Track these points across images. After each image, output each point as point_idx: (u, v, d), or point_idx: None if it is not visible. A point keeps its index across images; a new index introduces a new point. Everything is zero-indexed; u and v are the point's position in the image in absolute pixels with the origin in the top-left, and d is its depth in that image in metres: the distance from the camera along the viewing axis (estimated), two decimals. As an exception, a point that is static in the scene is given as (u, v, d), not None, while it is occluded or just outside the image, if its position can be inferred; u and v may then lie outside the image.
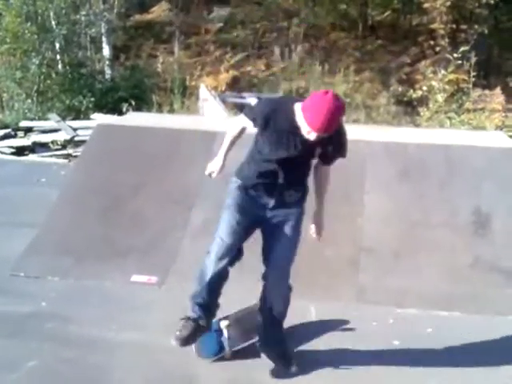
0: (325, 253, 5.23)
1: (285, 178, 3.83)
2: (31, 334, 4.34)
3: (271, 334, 4.03)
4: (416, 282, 5.05)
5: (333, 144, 3.74)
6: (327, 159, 3.88)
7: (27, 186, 8.03)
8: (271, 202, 3.88)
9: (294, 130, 3.63)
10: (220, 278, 3.84)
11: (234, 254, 3.84)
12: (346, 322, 4.61)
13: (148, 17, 19.31)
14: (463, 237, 5.39)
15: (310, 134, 3.55)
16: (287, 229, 3.89)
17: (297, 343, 4.27)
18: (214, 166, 4.07)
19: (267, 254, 3.97)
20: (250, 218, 3.88)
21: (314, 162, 3.92)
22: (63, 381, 3.83)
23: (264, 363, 3.99)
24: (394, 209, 5.62)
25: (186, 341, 3.78)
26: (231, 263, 3.85)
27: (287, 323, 4.28)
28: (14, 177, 8.64)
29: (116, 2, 17.06)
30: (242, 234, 3.85)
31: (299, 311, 4.69)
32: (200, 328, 3.84)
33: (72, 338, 4.29)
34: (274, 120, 3.72)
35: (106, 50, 16.63)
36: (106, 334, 4.20)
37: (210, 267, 3.78)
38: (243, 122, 3.95)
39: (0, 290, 5.02)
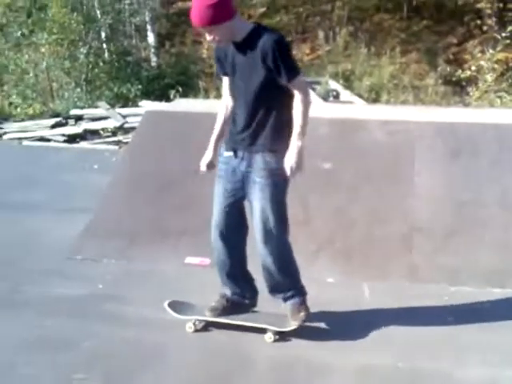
0: (376, 232, 5.25)
1: (244, 117, 3.86)
2: (89, 315, 4.44)
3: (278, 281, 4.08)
4: (468, 259, 5.03)
5: (269, 59, 3.69)
6: (277, 76, 3.75)
7: (80, 173, 8.22)
8: (235, 152, 3.93)
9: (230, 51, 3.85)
10: (221, 247, 4.03)
11: (228, 221, 3.99)
12: (400, 300, 4.61)
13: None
14: (515, 214, 5.33)
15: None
16: (258, 188, 3.86)
17: (351, 322, 4.29)
18: (203, 159, 4.13)
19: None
20: (225, 183, 3.99)
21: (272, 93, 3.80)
22: (120, 359, 3.90)
23: (320, 342, 4.03)
24: (445, 188, 5.58)
25: (212, 312, 4.14)
26: (230, 230, 4.01)
27: (341, 302, 4.33)
28: (68, 164, 8.85)
29: (159, -10, 17.18)
30: (225, 200, 3.99)
31: (353, 290, 4.76)
32: (228, 302, 4.16)
33: (128, 318, 4.37)
34: (221, 54, 3.94)
35: (151, 38, 16.79)
36: (160, 315, 4.25)
37: (212, 238, 4.07)
38: (224, 88, 4.08)
39: (58, 272, 5.16)
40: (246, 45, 3.79)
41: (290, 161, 3.76)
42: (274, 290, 4.11)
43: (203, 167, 4.11)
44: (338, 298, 4.63)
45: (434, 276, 4.92)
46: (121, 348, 4.02)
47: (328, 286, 4.88)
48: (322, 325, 4.26)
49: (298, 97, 3.76)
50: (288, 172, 3.78)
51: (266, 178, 3.84)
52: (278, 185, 3.87)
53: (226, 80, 4.04)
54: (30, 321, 4.34)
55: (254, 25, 3.89)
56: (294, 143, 3.76)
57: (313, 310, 4.17)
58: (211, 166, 4.10)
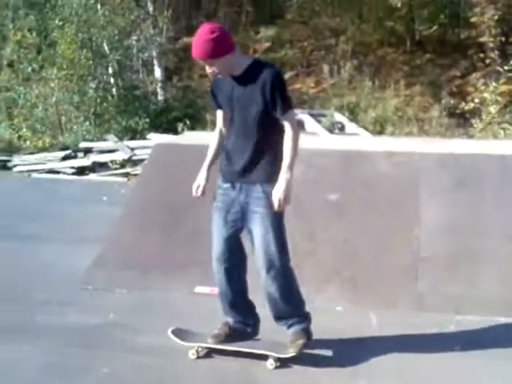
0: (382, 261, 5.33)
1: (240, 149, 3.98)
2: (100, 344, 4.51)
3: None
4: (474, 289, 5.09)
5: (267, 91, 3.85)
6: (271, 109, 3.89)
7: (90, 204, 8.32)
8: (232, 183, 4.04)
9: (228, 85, 3.99)
10: (224, 278, 4.12)
11: (229, 252, 4.09)
12: (406, 329, 4.67)
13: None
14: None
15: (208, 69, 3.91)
16: (258, 218, 3.97)
17: (359, 351, 4.33)
18: (195, 184, 4.23)
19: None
20: (225, 214, 4.08)
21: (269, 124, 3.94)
22: (133, 386, 3.97)
23: (328, 369, 4.09)
24: (450, 219, 5.65)
25: (215, 339, 4.21)
26: (231, 261, 4.10)
27: (349, 331, 4.39)
28: (77, 196, 8.96)
29: (165, 27, 17.46)
30: (225, 232, 4.08)
31: (360, 319, 4.82)
32: (231, 329, 4.23)
33: (139, 347, 4.43)
34: (217, 89, 4.09)
35: (158, 73, 17.03)
36: (172, 344, 4.29)
37: (214, 269, 4.17)
38: (218, 120, 4.23)
39: (70, 302, 5.25)
40: (245, 78, 3.93)
41: (277, 193, 3.88)
42: (278, 317, 4.18)
43: (200, 192, 4.20)
44: (346, 326, 4.69)
45: (439, 305, 4.99)
46: (132, 376, 4.07)
47: (336, 315, 4.95)
48: (331, 353, 4.31)
49: (288, 130, 3.92)
50: (276, 204, 3.88)
51: (265, 208, 3.95)
52: (277, 214, 3.97)
53: (220, 113, 4.20)
54: (43, 349, 4.41)
55: (253, 59, 4.08)
56: (283, 176, 3.89)
57: (321, 337, 4.25)
58: (202, 191, 4.20)
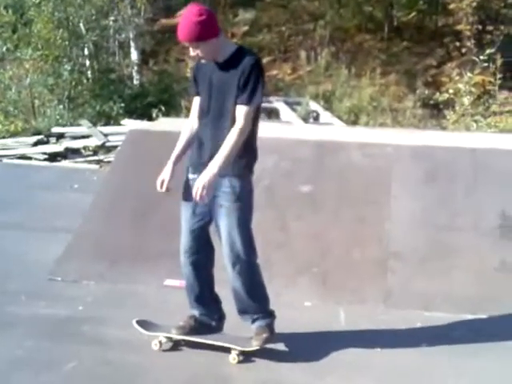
0: (352, 256, 5.34)
1: (211, 139, 3.93)
2: (69, 337, 4.48)
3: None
4: (443, 285, 5.12)
5: (242, 78, 3.82)
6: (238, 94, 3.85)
7: (61, 192, 8.24)
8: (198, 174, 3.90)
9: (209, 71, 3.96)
10: (190, 271, 4.13)
11: (196, 245, 4.09)
12: (374, 324, 4.70)
13: (175, 21, 19.43)
14: (489, 240, 5.43)
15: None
16: (224, 212, 3.94)
17: (326, 346, 4.34)
18: (160, 178, 4.11)
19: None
20: (193, 206, 4.04)
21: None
22: (101, 381, 3.94)
23: (294, 364, 4.11)
24: (421, 212, 5.68)
25: (179, 330, 4.21)
26: (198, 254, 4.11)
27: (317, 326, 4.39)
28: (48, 183, 8.86)
29: (143, 7, 17.25)
30: (193, 224, 4.07)
31: (328, 314, 4.83)
32: (196, 322, 4.23)
33: (108, 340, 4.41)
34: (199, 74, 4.06)
35: (134, 55, 16.83)
36: (140, 337, 4.29)
37: (181, 262, 4.18)
38: (192, 108, 4.16)
39: (38, 293, 5.19)
40: (227, 65, 3.90)
41: (201, 181, 3.79)
42: (242, 311, 4.18)
43: (159, 187, 4.10)
44: (313, 321, 4.69)
45: (408, 301, 5.01)
46: (101, 369, 4.06)
47: (305, 310, 4.94)
48: (298, 348, 4.31)
49: (239, 123, 3.84)
50: (194, 191, 3.82)
51: (232, 202, 3.92)
52: (244, 209, 3.97)
53: (196, 100, 4.12)
54: (11, 341, 4.37)
55: (237, 47, 4.01)
56: (213, 166, 3.79)
57: (288, 332, 4.27)
58: (167, 187, 4.10)
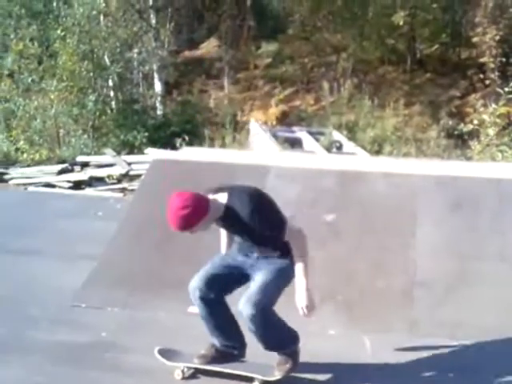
0: (377, 285, 5.29)
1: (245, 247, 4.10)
2: (90, 363, 4.46)
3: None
4: (469, 314, 5.05)
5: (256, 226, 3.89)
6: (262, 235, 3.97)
7: (85, 220, 8.26)
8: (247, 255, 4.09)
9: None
10: (205, 305, 4.13)
11: (206, 289, 4.10)
12: (400, 353, 4.62)
13: (198, 53, 19.74)
14: (516, 269, 5.37)
15: None
16: (269, 263, 4.02)
17: (350, 376, 4.29)
18: None
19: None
20: (232, 260, 4.15)
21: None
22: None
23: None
24: (447, 241, 5.63)
25: (201, 359, 4.19)
26: (206, 297, 4.11)
27: (342, 355, 4.34)
28: (72, 210, 8.90)
29: (167, 39, 17.49)
30: (221, 269, 4.13)
31: (353, 343, 4.77)
32: (217, 351, 4.20)
33: (131, 367, 4.39)
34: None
35: (158, 86, 17.04)
36: (162, 365, 4.25)
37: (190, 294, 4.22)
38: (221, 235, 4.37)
39: (62, 320, 5.19)
40: (228, 218, 3.94)
41: (301, 302, 3.91)
42: (265, 348, 4.12)
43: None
44: (338, 350, 4.64)
45: (434, 330, 4.94)
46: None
47: (329, 338, 4.89)
48: (321, 377, 4.26)
49: (297, 252, 3.97)
50: (301, 312, 3.92)
51: (279, 260, 4.01)
52: (287, 270, 3.98)
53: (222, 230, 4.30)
54: (31, 367, 4.37)
55: (225, 205, 3.94)
56: (302, 282, 3.93)
57: (312, 361, 4.22)
58: None
